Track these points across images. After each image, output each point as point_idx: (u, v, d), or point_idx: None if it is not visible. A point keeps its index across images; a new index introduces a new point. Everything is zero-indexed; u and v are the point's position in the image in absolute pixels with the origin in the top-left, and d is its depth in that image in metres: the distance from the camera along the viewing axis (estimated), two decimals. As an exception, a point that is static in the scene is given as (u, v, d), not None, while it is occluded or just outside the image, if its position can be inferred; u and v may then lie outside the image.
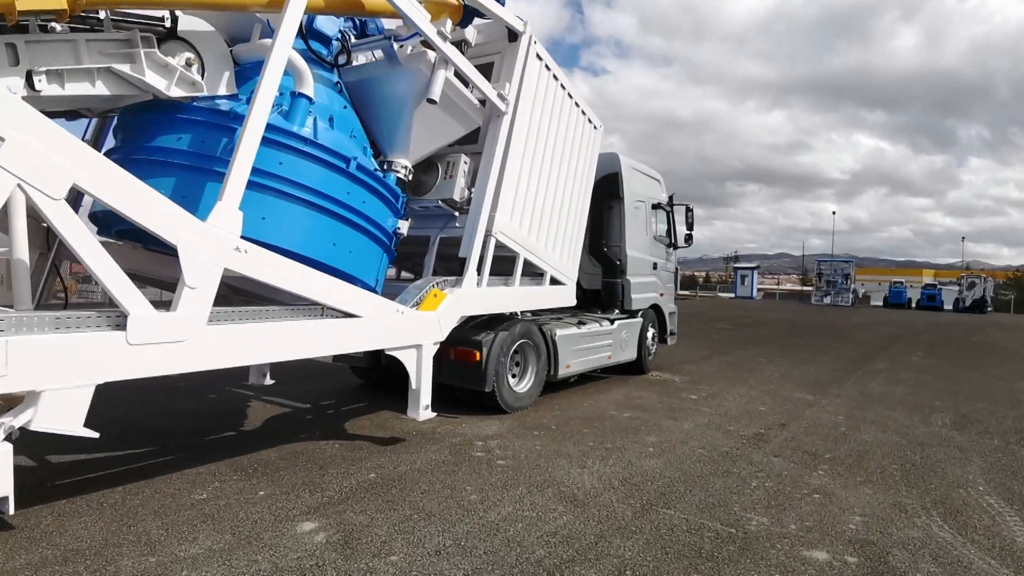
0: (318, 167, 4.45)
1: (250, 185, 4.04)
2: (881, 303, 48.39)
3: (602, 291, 9.03)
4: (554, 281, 7.31)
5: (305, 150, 4.38)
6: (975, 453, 5.89)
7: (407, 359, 5.14)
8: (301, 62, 4.47)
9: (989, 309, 43.97)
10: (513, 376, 6.90)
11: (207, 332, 3.71)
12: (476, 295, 5.94)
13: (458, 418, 6.30)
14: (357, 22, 6.58)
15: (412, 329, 5.13)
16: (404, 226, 5.27)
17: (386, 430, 5.76)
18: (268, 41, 4.48)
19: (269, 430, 5.77)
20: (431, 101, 5.30)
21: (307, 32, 5.02)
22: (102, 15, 3.82)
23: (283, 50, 3.99)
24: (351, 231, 4.64)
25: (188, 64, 4.09)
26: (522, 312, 7.64)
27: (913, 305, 46.03)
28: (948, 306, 44.98)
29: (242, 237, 3.84)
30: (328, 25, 5.24)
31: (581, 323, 7.84)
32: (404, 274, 8.11)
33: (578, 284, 9.07)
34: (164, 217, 3.47)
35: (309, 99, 4.52)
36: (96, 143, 5.22)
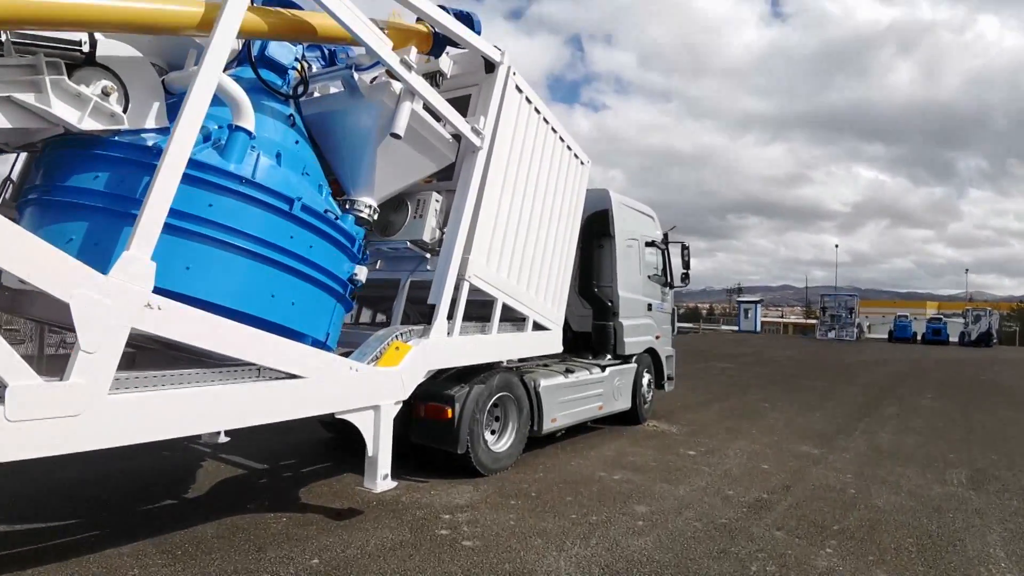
0: (256, 209, 3.95)
1: (173, 230, 3.57)
2: (886, 337, 47.69)
3: (593, 334, 8.47)
4: (538, 326, 6.76)
5: (240, 190, 3.87)
6: (994, 519, 5.30)
7: (362, 423, 4.55)
8: (239, 92, 4.00)
9: (995, 342, 43.22)
10: (492, 433, 6.30)
11: (108, 403, 3.16)
12: (447, 346, 5.38)
13: (427, 482, 5.67)
14: (325, 51, 6.17)
15: (368, 388, 4.56)
16: (362, 272, 4.73)
17: (344, 499, 5.13)
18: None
19: (214, 498, 5.16)
20: (395, 135, 4.83)
21: (258, 60, 4.60)
22: (2, 37, 3.36)
23: (210, 77, 3.52)
24: (295, 280, 4.11)
25: (105, 93, 3.61)
26: (508, 360, 7.08)
27: (919, 339, 45.33)
28: (954, 339, 44.31)
29: (157, 290, 3.32)
30: (283, 53, 4.79)
31: (569, 371, 7.25)
32: (379, 317, 7.58)
33: (568, 327, 8.53)
34: (52, 270, 2.94)
35: (249, 133, 4.03)
36: (23, 182, 4.73)
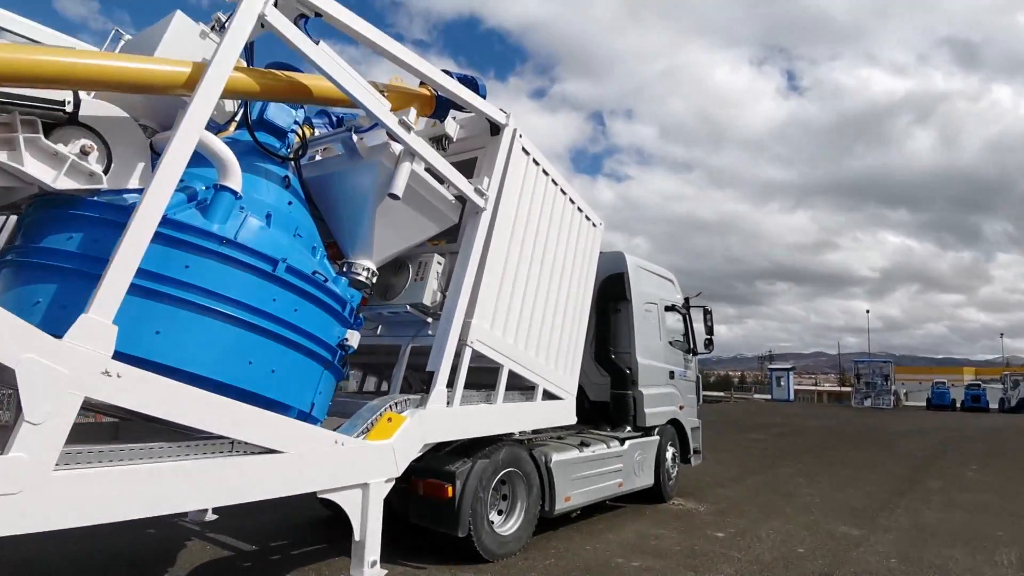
0: (236, 271, 3.72)
1: (144, 292, 3.36)
2: (924, 404, 45.71)
3: (611, 404, 7.99)
4: (549, 396, 6.34)
5: (220, 251, 3.66)
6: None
7: (348, 503, 4.15)
8: (224, 151, 3.87)
9: (1035, 408, 41.08)
10: (499, 513, 5.80)
11: (54, 481, 2.84)
12: (446, 417, 5.01)
13: (425, 569, 5.18)
14: (333, 118, 6.17)
15: (355, 464, 4.18)
16: (354, 338, 4.44)
17: (332, 588, 4.67)
18: (204, 132, 3.94)
19: (191, 586, 4.74)
20: (393, 196, 4.67)
21: (256, 122, 4.54)
22: (-22, 98, 3.28)
23: (189, 134, 3.38)
24: (275, 345, 3.83)
25: (84, 152, 3.49)
26: (521, 432, 6.64)
27: (958, 406, 43.37)
28: (993, 405, 42.43)
29: (121, 356, 3.07)
30: (281, 116, 4.71)
31: (584, 444, 6.76)
32: (384, 386, 7.24)
33: (584, 396, 8.10)
34: (-3, 335, 2.70)
35: (235, 193, 3.87)
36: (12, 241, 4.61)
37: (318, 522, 6.46)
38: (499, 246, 5.56)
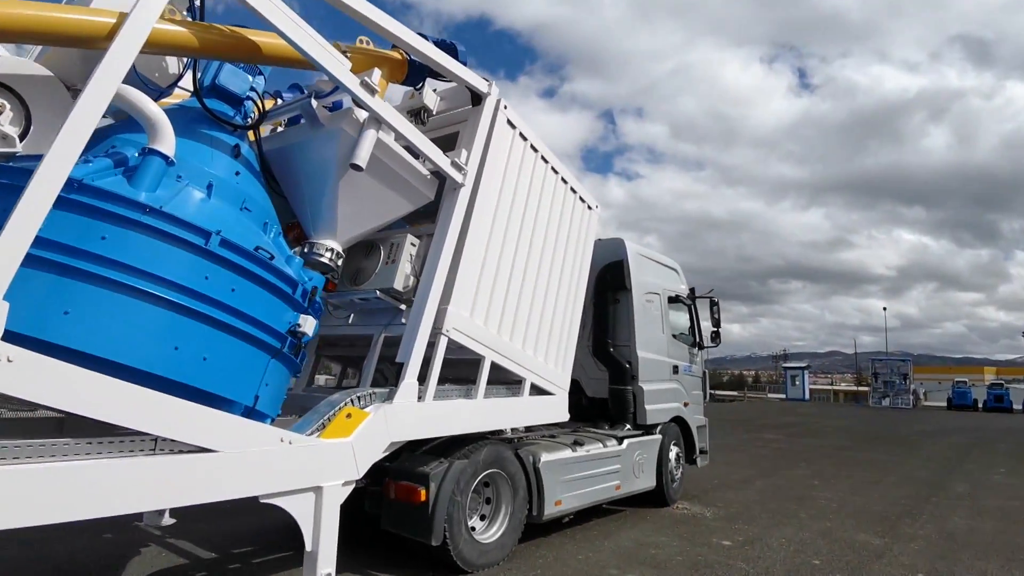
0: (162, 244, 3.26)
1: (51, 267, 2.92)
2: (944, 404, 44.64)
3: (609, 401, 7.47)
4: (538, 390, 5.84)
5: (143, 221, 3.20)
6: None
7: (297, 508, 3.67)
8: (155, 112, 3.45)
9: (1062, 409, 39.92)
10: (483, 518, 5.31)
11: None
12: (418, 412, 4.52)
13: (397, 581, 4.70)
14: (304, 90, 5.71)
15: (306, 466, 3.70)
16: (308, 324, 3.96)
17: (287, 603, 4.20)
18: (129, 89, 3.50)
19: (134, 599, 4.29)
20: (355, 167, 4.18)
21: (209, 88, 4.12)
22: None
23: (103, 87, 2.94)
24: (208, 331, 3.36)
25: (-7, 113, 3.05)
26: (513, 430, 6.16)
27: (979, 406, 42.26)
28: (1017, 405, 41.29)
29: (16, 338, 2.63)
30: (236, 82, 4.27)
31: (578, 443, 6.24)
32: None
33: (581, 392, 7.61)
34: None
35: (165, 158, 3.42)
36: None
37: (286, 527, 5.94)
38: (480, 226, 5.07)
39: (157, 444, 3.22)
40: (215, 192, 3.72)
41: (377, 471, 4.93)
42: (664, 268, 8.53)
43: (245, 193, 3.97)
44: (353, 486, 4.01)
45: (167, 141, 3.46)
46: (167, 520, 5.36)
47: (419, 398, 4.53)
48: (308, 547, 3.73)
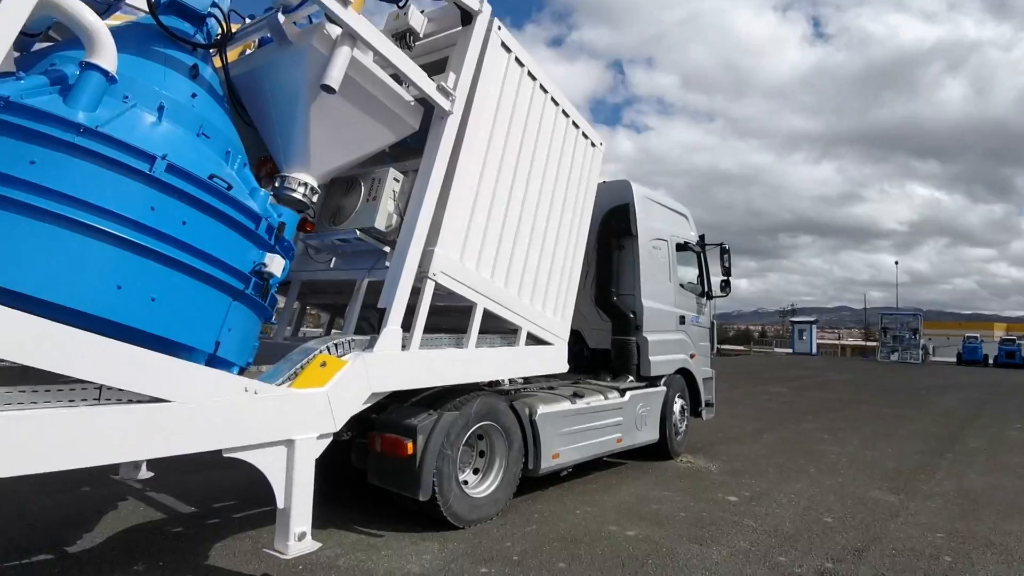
0: (100, 169, 2.87)
1: (-35, 193, 2.53)
2: (954, 360, 44.31)
3: (612, 352, 7.13)
4: (535, 340, 5.49)
5: (77, 143, 2.81)
6: None
7: (266, 463, 3.37)
8: (93, 23, 3.01)
9: (1075, 365, 39.55)
10: (476, 472, 5.04)
11: None
12: (400, 362, 4.18)
13: (383, 537, 4.45)
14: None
15: (274, 418, 3.38)
16: (275, 263, 3.59)
17: (264, 560, 3.93)
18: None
19: (102, 553, 4.04)
20: (327, 89, 3.73)
21: (166, 4, 3.66)
22: None
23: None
24: (155, 268, 2.99)
25: None
26: (511, 381, 5.85)
27: (990, 362, 41.91)
28: (1028, 361, 40.93)
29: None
30: (197, -2, 3.79)
31: (577, 395, 5.93)
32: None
33: (583, 343, 7.28)
34: None
35: (105, 73, 3.00)
36: None
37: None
38: (471, 160, 4.64)
39: (101, 393, 2.91)
40: (167, 115, 3.31)
41: (363, 423, 4.68)
42: (672, 213, 8.06)
43: (203, 118, 3.54)
44: (330, 439, 3.71)
45: (107, 55, 3.02)
46: (144, 474, 5.14)
47: (403, 347, 4.19)
48: (280, 504, 3.45)
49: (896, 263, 61.18)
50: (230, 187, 3.37)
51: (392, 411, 4.67)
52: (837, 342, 65.51)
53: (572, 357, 7.66)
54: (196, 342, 3.22)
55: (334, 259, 4.98)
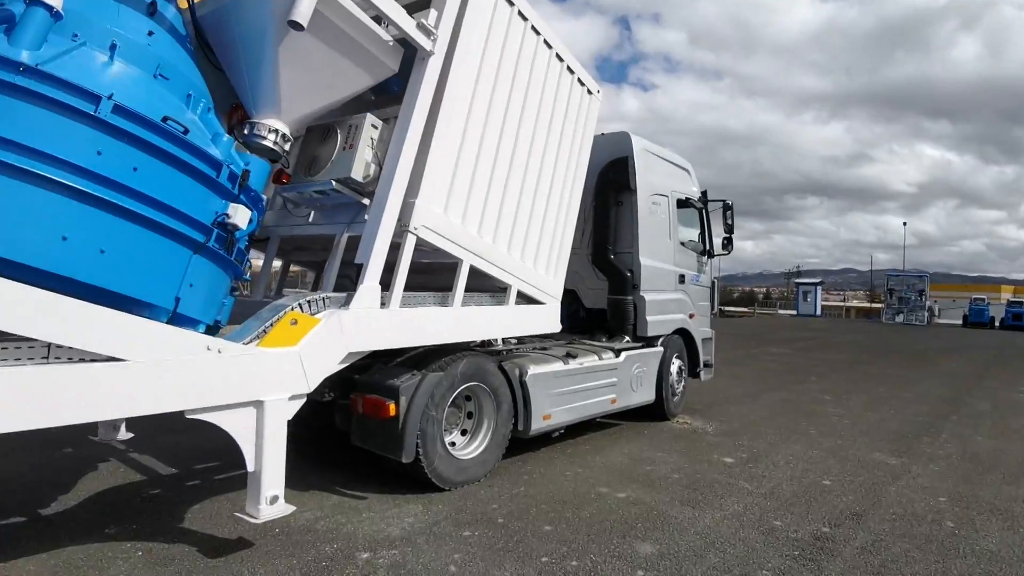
0: (41, 110, 2.65)
1: None
2: (959, 322, 44.04)
3: (608, 311, 6.93)
4: (526, 299, 5.29)
5: (14, 82, 2.58)
6: None
7: (234, 425, 3.21)
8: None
9: (1082, 328, 39.25)
10: (464, 433, 4.90)
11: None
12: (379, 320, 3.98)
13: (366, 499, 4.34)
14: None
15: (241, 378, 3.19)
16: (240, 214, 3.36)
17: (240, 524, 3.81)
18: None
19: (74, 515, 3.94)
20: (294, 25, 3.43)
21: None
22: None
23: None
24: (104, 217, 2.77)
25: None
26: (505, 341, 5.69)
27: (996, 324, 41.63)
28: (1035, 323, 40.58)
29: None
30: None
31: (570, 356, 5.75)
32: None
33: (579, 302, 7.08)
34: None
35: (49, 8, 2.73)
36: None
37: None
38: (455, 106, 4.35)
39: (51, 352, 2.73)
40: (119, 54, 3.05)
41: (346, 384, 4.53)
42: (674, 167, 7.74)
43: (161, 58, 3.27)
44: (303, 401, 3.53)
45: (52, -11, 2.75)
46: (124, 435, 5.04)
47: (382, 304, 3.98)
48: (250, 467, 3.30)
49: (904, 224, 60.36)
50: (186, 131, 3.12)
51: (375, 372, 4.51)
52: (842, 304, 65.28)
53: (568, 317, 7.48)
54: (153, 298, 3.02)
55: (313, 213, 4.74)
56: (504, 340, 6.07)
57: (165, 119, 2.99)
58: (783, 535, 4.00)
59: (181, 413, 3.03)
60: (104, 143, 2.78)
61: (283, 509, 3.37)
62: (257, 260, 5.16)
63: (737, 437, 6.61)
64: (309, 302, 3.67)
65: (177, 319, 3.21)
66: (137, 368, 2.81)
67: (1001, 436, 7.20)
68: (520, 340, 6.22)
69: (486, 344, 5.76)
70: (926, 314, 42.84)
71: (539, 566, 3.41)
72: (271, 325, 3.43)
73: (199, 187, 3.20)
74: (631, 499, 4.55)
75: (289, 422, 5.18)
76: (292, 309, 3.55)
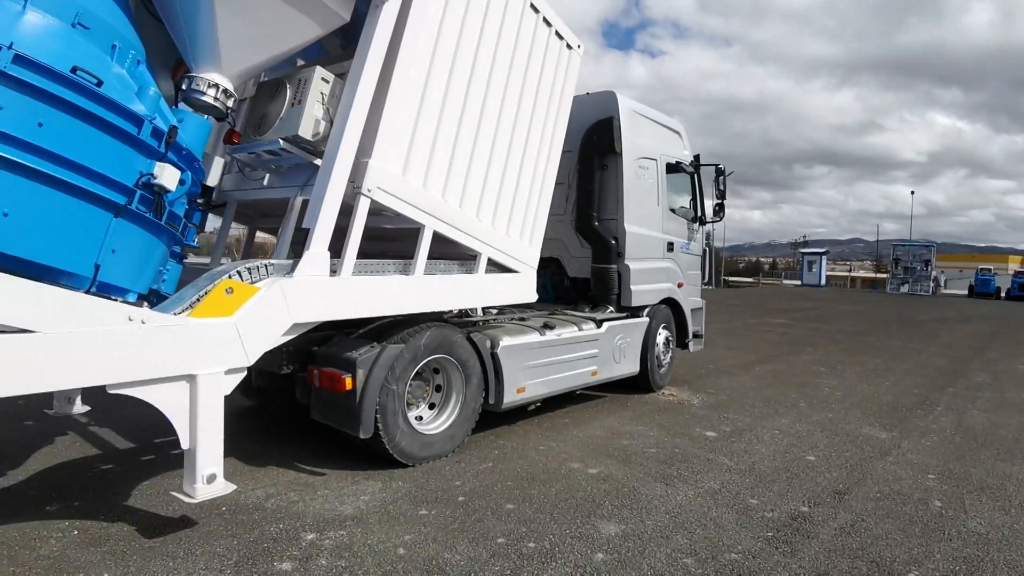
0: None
1: None
2: (965, 292, 43.56)
3: (592, 280, 6.67)
4: (498, 267, 5.03)
5: None
6: None
7: (164, 401, 3.00)
8: None
9: (1089, 299, 38.75)
10: (432, 407, 4.70)
11: None
12: (328, 289, 3.74)
13: (324, 476, 4.16)
14: None
15: (169, 350, 2.97)
16: (169, 175, 3.10)
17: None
18: None
19: (17, 492, 3.77)
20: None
21: None
22: None
23: None
24: (6, 177, 2.51)
25: None
26: (484, 310, 5.48)
27: (1003, 295, 41.15)
28: (1043, 294, 40.06)
29: None
30: None
31: (547, 327, 5.52)
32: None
33: (562, 272, 6.85)
34: None
35: None
36: None
37: (232, 416, 5.44)
38: (414, 57, 4.04)
39: (-58, 322, 2.50)
40: (33, 2, 2.77)
41: (306, 356, 4.33)
42: (664, 129, 7.39)
43: (81, 7, 3.00)
44: (243, 375, 3.32)
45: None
46: (79, 407, 4.84)
47: (333, 272, 3.74)
48: (184, 444, 3.10)
49: (912, 193, 59.43)
50: (100, 83, 2.84)
51: (334, 344, 4.30)
52: (847, 274, 64.72)
53: (552, 287, 7.27)
54: (68, 264, 2.79)
55: (268, 176, 4.47)
56: (485, 310, 5.86)
57: (75, 70, 2.71)
58: (758, 515, 3.80)
59: (103, 389, 2.83)
60: (5, 96, 2.52)
61: (221, 488, 3.19)
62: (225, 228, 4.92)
63: (723, 410, 6.40)
64: (249, 269, 3.43)
65: (102, 288, 2.98)
66: (47, 340, 2.58)
67: (999, 409, 6.97)
68: (500, 311, 6.00)
69: (464, 315, 5.54)
70: (931, 284, 42.36)
71: (494, 548, 3.23)
72: (206, 293, 3.20)
73: (118, 144, 2.93)
74: (602, 475, 4.36)
75: (252, 396, 4.99)
76: (229, 277, 3.31)
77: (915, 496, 4.22)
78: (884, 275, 51.07)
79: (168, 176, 3.09)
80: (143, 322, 2.88)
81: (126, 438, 4.80)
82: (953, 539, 3.58)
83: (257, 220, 5.45)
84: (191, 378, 3.06)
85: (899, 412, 6.63)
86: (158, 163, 3.09)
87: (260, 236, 5.70)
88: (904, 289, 42.08)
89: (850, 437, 5.58)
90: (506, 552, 3.19)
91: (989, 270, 45.68)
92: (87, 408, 4.84)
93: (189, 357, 3.04)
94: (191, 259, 4.70)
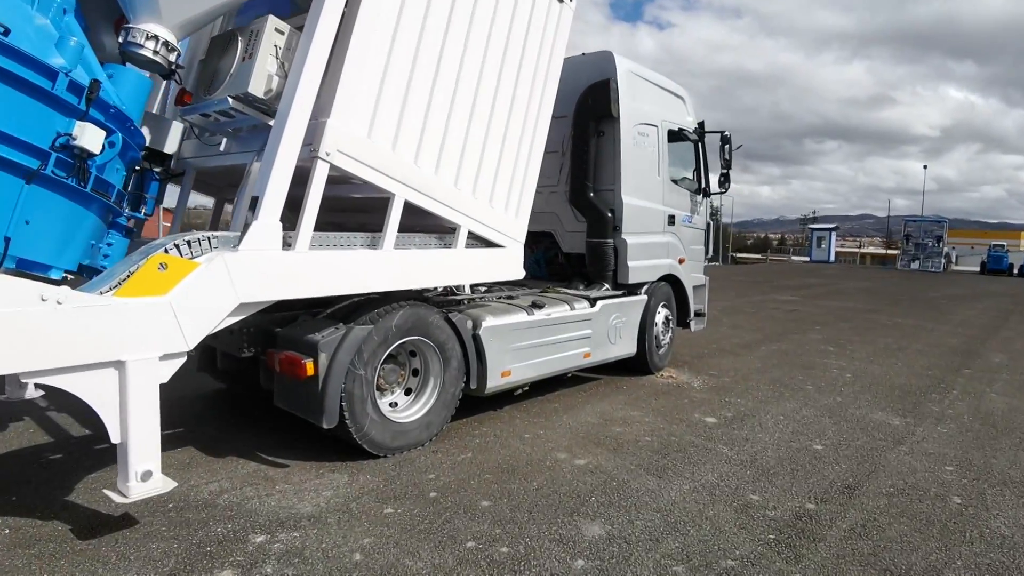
0: None
1: None
2: (977, 269, 42.82)
3: (586, 256, 6.28)
4: (479, 241, 4.64)
5: None
6: None
7: (88, 390, 2.66)
8: None
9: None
10: (408, 393, 4.37)
11: None
12: (280, 265, 3.37)
13: (288, 468, 3.84)
14: None
15: (89, 334, 2.62)
16: (91, 135, 2.72)
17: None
18: None
19: (-46, 487, 3.49)
20: None
21: None
22: None
23: None
24: None
25: None
26: (472, 288, 5.13)
27: (1016, 271, 40.41)
28: (1057, 271, 39.34)
29: None
30: None
31: (536, 306, 5.15)
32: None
33: (556, 247, 6.48)
34: None
35: None
36: None
37: (201, 400, 5.14)
38: (380, 6, 3.60)
39: None
40: None
41: (269, 338, 3.99)
42: (666, 94, 6.91)
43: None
44: (182, 361, 2.97)
45: None
46: (32, 392, 4.51)
47: (286, 245, 3.37)
48: (114, 438, 2.77)
49: (925, 167, 58.14)
50: (7, 31, 2.45)
51: (297, 325, 3.96)
52: (857, 250, 63.84)
53: (545, 263, 6.89)
54: (-36, 237, 2.43)
55: (225, 140, 4.09)
56: (473, 289, 5.49)
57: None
58: (759, 513, 3.46)
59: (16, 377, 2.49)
60: None
61: (159, 485, 2.86)
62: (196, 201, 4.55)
63: (725, 393, 6.05)
64: (189, 242, 3.06)
65: (20, 264, 2.63)
66: (-64, 324, 2.24)
67: (1019, 392, 6.58)
68: (489, 289, 5.64)
69: (450, 293, 5.18)
70: (943, 260, 41.64)
71: (461, 554, 2.90)
72: (132, 273, 2.84)
73: (28, 100, 2.56)
74: (590, 467, 4.02)
75: (220, 378, 4.62)
76: (165, 251, 2.95)
77: (932, 491, 3.86)
78: (895, 251, 50.26)
79: (90, 137, 2.72)
80: (59, 302, 2.52)
81: (83, 425, 4.49)
82: (975, 542, 3.23)
83: (226, 191, 5.08)
84: (119, 364, 2.72)
85: (912, 396, 6.25)
86: (78, 122, 2.71)
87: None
88: (915, 266, 41.37)
89: (860, 423, 5.22)
90: (475, 559, 2.86)
91: (1002, 246, 44.81)
92: (40, 393, 4.53)
93: (115, 342, 2.69)
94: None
